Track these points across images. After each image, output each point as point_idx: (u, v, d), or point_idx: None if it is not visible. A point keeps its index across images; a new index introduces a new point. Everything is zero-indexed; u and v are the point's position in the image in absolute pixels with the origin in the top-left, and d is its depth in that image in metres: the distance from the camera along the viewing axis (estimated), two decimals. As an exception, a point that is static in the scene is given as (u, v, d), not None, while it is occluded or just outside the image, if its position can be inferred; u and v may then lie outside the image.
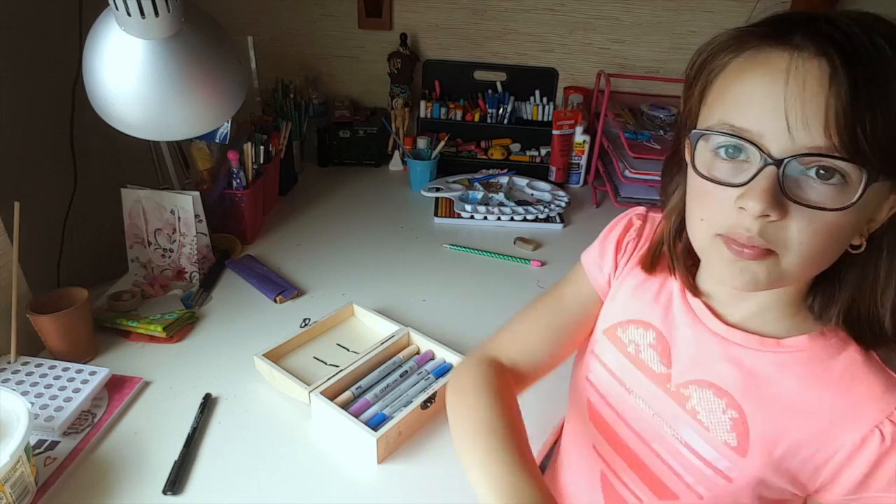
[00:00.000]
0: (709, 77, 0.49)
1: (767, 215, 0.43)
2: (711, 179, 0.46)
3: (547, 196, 1.45)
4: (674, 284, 0.60)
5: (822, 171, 0.42)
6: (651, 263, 0.61)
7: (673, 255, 0.58)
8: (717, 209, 0.47)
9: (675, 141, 0.56)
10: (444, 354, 0.89)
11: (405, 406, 0.78)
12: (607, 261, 0.66)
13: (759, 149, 0.43)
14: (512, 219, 1.35)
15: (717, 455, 0.55)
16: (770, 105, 0.42)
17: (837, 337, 0.51)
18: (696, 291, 0.58)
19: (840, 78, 0.40)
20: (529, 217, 1.35)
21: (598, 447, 0.67)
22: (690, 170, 0.49)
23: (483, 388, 0.61)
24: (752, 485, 0.53)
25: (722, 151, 0.46)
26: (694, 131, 0.48)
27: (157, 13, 0.82)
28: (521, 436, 0.58)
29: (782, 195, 0.43)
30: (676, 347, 0.58)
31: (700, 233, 0.49)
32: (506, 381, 0.64)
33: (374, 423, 0.75)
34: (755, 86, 0.44)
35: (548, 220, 1.36)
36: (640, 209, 0.66)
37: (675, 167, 0.56)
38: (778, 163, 0.42)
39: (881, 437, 0.47)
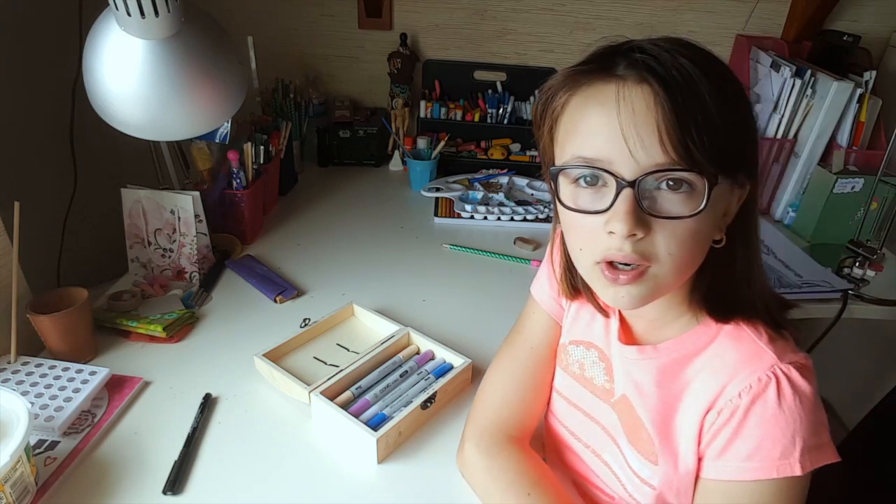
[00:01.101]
0: (553, 116, 0.53)
1: (634, 234, 0.47)
2: (578, 210, 0.51)
3: (547, 196, 1.45)
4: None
5: (670, 183, 0.47)
6: (569, 290, 0.65)
7: (575, 282, 0.64)
8: (590, 236, 0.51)
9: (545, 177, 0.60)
10: (444, 354, 0.89)
11: (405, 406, 0.78)
12: (553, 285, 0.70)
13: (612, 174, 0.47)
14: (512, 219, 1.35)
15: (639, 464, 0.60)
16: (610, 133, 0.47)
17: (710, 324, 0.56)
18: (605, 312, 0.64)
19: (662, 99, 0.45)
20: (529, 217, 1.35)
21: (563, 458, 0.72)
22: (558, 203, 0.53)
23: (516, 482, 0.64)
24: (675, 490, 0.57)
25: (581, 181, 0.50)
26: (552, 168, 0.52)
27: (157, 13, 0.82)
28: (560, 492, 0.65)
29: (642, 212, 0.47)
30: (614, 363, 0.63)
31: (582, 262, 0.54)
32: (527, 456, 0.67)
33: (374, 423, 0.75)
34: (594, 117, 0.48)
35: (548, 220, 1.36)
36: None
37: (553, 202, 0.62)
38: (631, 184, 0.47)
39: (739, 397, 0.52)
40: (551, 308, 0.71)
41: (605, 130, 0.47)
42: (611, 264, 0.50)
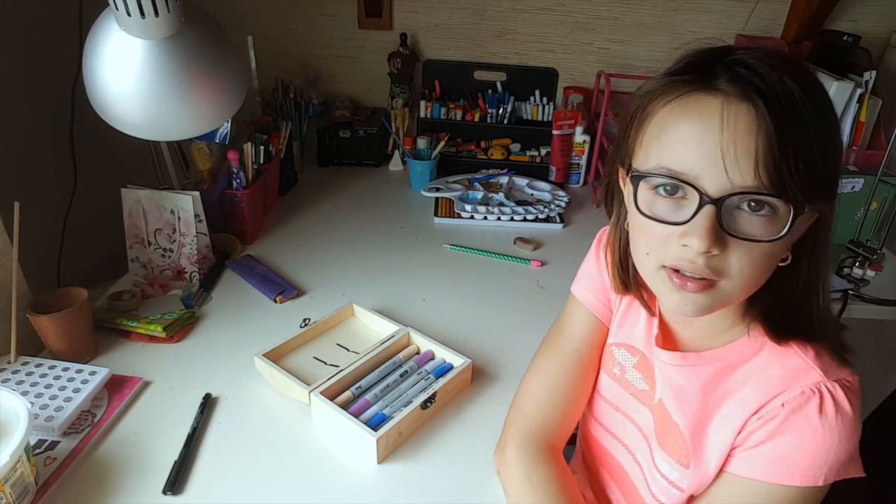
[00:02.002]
0: (643, 121, 0.52)
1: (710, 251, 0.47)
2: (654, 218, 0.50)
3: (547, 196, 1.45)
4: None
5: (752, 204, 0.46)
6: (619, 285, 0.65)
7: (626, 278, 0.63)
8: (661, 244, 0.50)
9: (609, 171, 0.60)
10: (444, 354, 0.89)
11: (405, 406, 0.78)
12: (598, 285, 0.70)
13: (697, 189, 0.47)
14: (512, 219, 1.35)
15: (668, 467, 0.60)
16: (706, 148, 0.46)
17: (758, 336, 0.55)
18: (653, 312, 0.63)
19: (765, 122, 0.44)
20: (529, 217, 1.35)
21: (595, 455, 0.72)
22: (632, 207, 0.52)
23: (553, 495, 0.64)
24: (701, 493, 0.58)
25: (661, 190, 0.50)
26: (634, 174, 0.51)
27: (157, 13, 0.82)
28: None
29: (721, 231, 0.47)
30: (655, 367, 0.63)
31: (646, 265, 0.53)
32: (564, 470, 0.67)
33: (374, 423, 0.75)
34: (691, 131, 0.47)
35: (548, 220, 1.36)
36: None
37: (611, 196, 0.61)
38: (715, 202, 0.46)
39: (782, 407, 0.52)
40: (597, 308, 0.70)
41: (700, 145, 0.46)
42: (678, 271, 0.50)
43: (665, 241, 0.50)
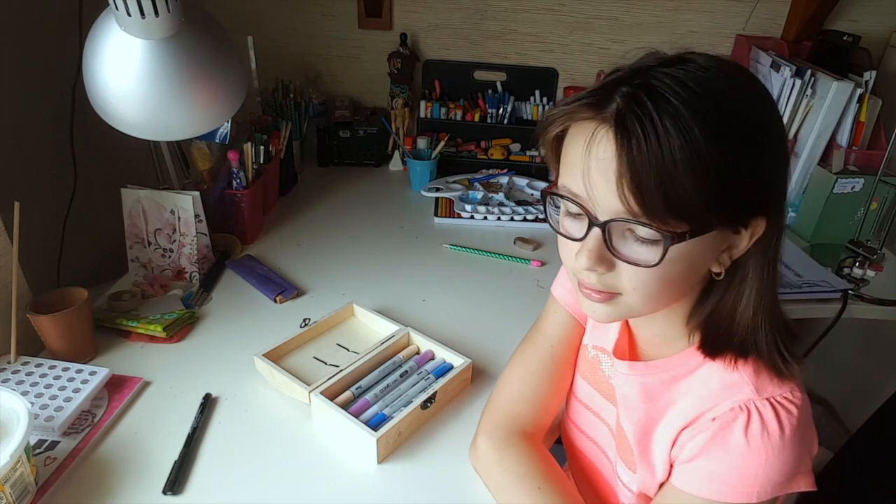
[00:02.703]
0: (558, 139, 0.52)
1: (595, 270, 0.49)
2: (560, 233, 0.53)
3: (547, 196, 1.45)
4: None
5: (630, 231, 0.47)
6: None
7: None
8: (570, 257, 0.52)
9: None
10: (444, 354, 0.89)
11: (405, 406, 0.78)
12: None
13: (587, 212, 0.48)
14: (512, 219, 1.35)
15: (622, 469, 0.62)
16: (584, 173, 0.47)
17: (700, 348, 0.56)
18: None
19: (624, 148, 0.44)
20: (529, 217, 1.35)
21: (575, 455, 0.74)
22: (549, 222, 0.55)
23: (527, 476, 0.65)
24: (650, 498, 0.59)
25: (566, 208, 0.52)
26: (543, 190, 0.52)
27: (157, 13, 0.82)
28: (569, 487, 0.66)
29: (608, 251, 0.49)
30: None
31: (569, 275, 0.55)
32: (538, 452, 0.68)
33: (374, 423, 0.75)
34: (576, 155, 0.48)
35: (547, 220, 1.36)
36: None
37: None
38: (601, 225, 0.48)
39: (712, 421, 0.52)
40: (573, 307, 0.71)
41: (582, 169, 0.47)
42: (581, 285, 0.53)
43: (571, 255, 0.51)
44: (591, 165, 0.46)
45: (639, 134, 0.43)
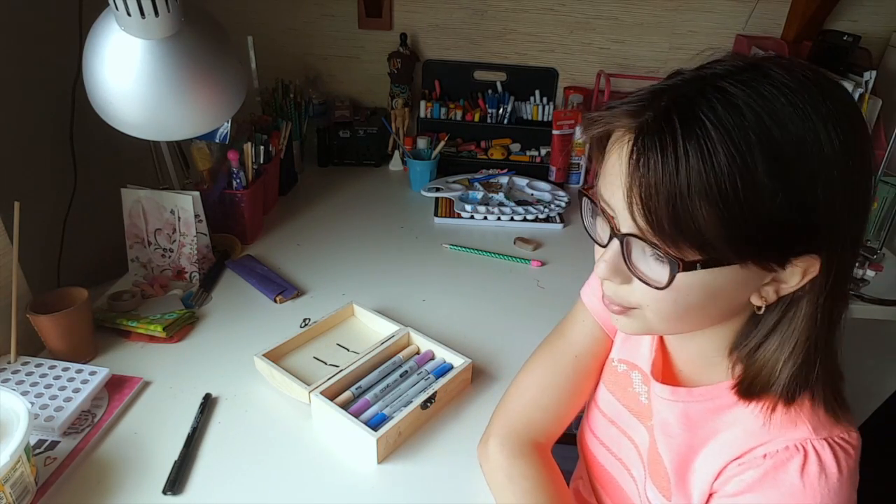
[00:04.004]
0: (601, 139, 0.51)
1: (609, 279, 0.48)
2: (589, 234, 0.52)
3: (547, 196, 1.45)
4: None
5: (647, 248, 0.45)
6: None
7: None
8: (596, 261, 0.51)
9: None
10: (444, 354, 0.89)
11: (405, 406, 0.78)
12: None
13: (611, 221, 0.48)
14: (512, 219, 1.35)
15: (653, 493, 0.60)
16: (611, 182, 0.46)
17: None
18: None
19: (640, 165, 0.42)
20: (529, 217, 1.35)
21: (592, 468, 0.72)
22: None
23: (532, 492, 0.64)
24: None
25: (598, 211, 0.51)
26: (580, 189, 0.52)
27: (157, 13, 0.82)
28: None
29: (625, 264, 0.47)
30: (653, 393, 0.62)
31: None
32: (547, 467, 0.67)
33: (374, 423, 0.75)
34: (610, 163, 0.47)
35: (548, 220, 1.36)
36: None
37: None
38: (620, 237, 0.47)
39: (763, 458, 0.49)
40: (603, 318, 0.68)
41: (613, 179, 0.46)
42: (602, 296, 0.52)
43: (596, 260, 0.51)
44: (616, 175, 0.45)
45: (656, 152, 0.41)
